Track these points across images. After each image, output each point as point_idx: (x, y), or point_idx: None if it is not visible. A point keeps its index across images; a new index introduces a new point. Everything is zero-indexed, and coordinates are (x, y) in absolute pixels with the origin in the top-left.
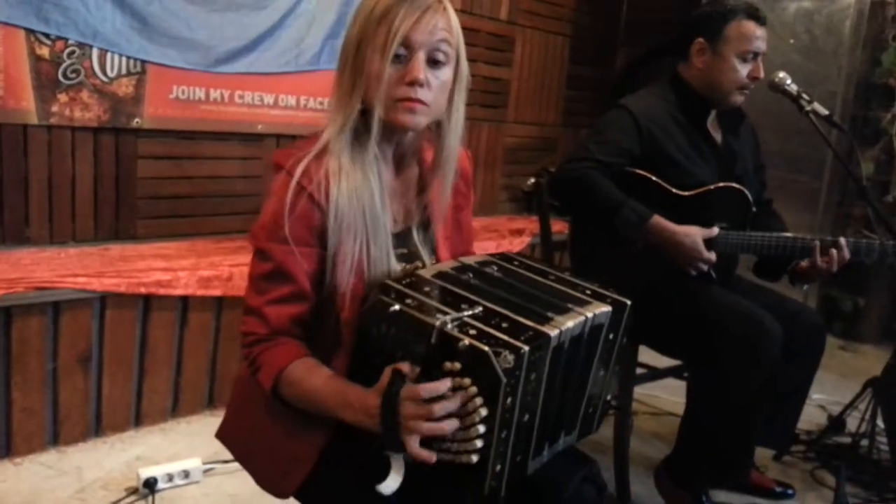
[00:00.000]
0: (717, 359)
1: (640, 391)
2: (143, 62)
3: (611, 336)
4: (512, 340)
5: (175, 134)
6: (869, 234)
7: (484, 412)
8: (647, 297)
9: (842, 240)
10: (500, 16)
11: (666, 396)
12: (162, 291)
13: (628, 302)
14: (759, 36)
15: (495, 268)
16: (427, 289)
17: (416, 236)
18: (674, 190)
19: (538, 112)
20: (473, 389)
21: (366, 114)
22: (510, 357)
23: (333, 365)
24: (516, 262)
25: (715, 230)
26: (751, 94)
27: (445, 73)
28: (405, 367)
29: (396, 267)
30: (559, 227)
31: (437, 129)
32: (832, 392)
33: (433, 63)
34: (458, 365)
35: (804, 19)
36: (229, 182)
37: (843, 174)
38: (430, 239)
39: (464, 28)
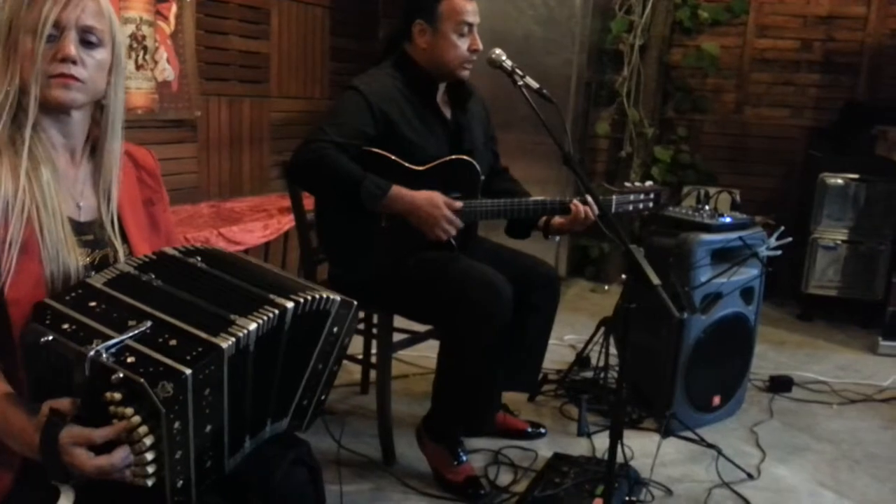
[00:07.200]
0: (456, 322)
1: (410, 353)
2: None
3: (335, 330)
4: (174, 364)
5: None
6: (608, 186)
7: (150, 441)
8: (394, 270)
9: (588, 197)
10: None
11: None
12: None
13: (355, 302)
14: (469, 10)
15: (199, 258)
16: (93, 304)
17: (107, 226)
18: (408, 165)
19: (303, 85)
20: (137, 419)
21: (24, 96)
22: (169, 386)
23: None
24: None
25: (459, 204)
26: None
27: (100, 53)
28: (64, 403)
29: (79, 253)
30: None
31: (100, 113)
32: (582, 332)
33: (87, 44)
34: (117, 395)
35: None
36: None
37: (583, 135)
38: (122, 229)
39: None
